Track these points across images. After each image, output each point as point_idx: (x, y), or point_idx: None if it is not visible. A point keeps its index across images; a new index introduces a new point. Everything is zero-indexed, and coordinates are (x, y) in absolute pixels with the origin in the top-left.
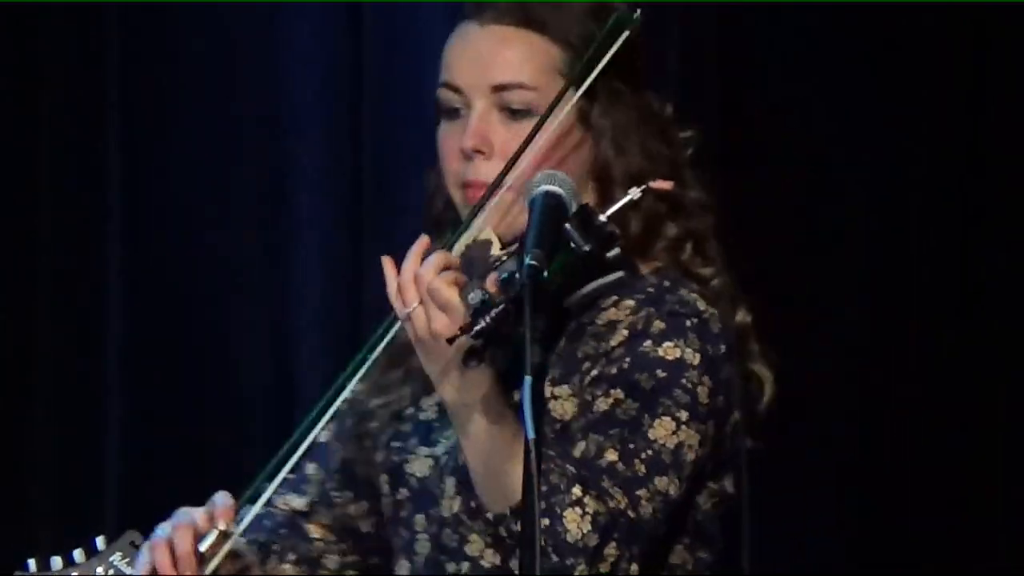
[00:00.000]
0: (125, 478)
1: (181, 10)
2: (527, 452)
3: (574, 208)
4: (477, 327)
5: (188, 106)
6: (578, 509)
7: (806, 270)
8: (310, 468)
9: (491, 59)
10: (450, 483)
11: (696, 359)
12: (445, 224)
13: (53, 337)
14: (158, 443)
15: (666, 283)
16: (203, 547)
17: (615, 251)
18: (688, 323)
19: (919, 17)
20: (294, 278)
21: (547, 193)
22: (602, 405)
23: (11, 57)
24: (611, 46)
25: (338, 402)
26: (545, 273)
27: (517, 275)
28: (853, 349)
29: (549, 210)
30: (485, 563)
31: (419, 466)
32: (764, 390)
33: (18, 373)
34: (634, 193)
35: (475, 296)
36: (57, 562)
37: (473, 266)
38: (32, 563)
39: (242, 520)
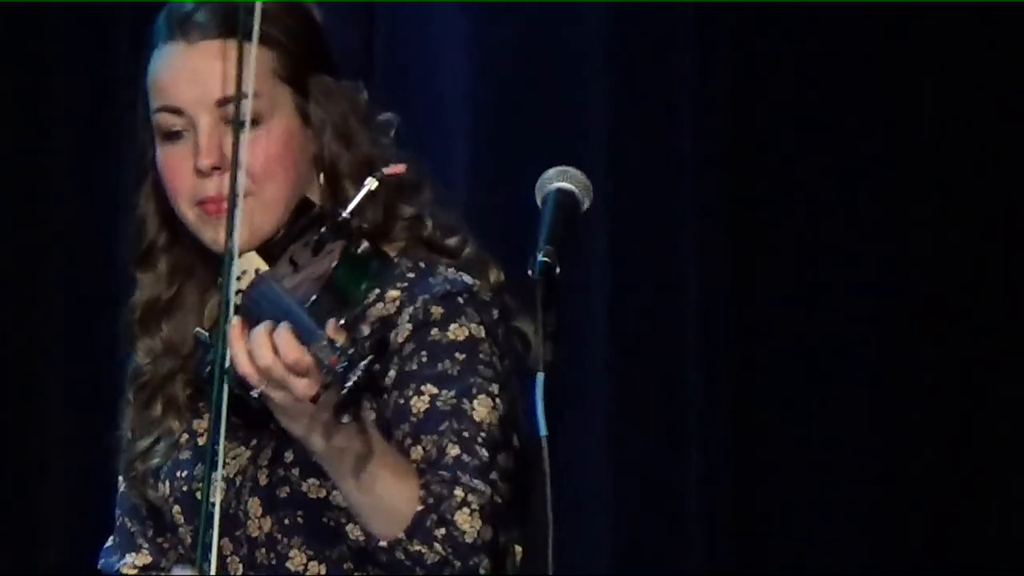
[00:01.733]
0: None
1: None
2: (539, 450)
3: (587, 205)
4: (349, 384)
5: None
6: (465, 509)
7: (816, 268)
8: (128, 524)
9: (210, 75)
10: (254, 503)
11: (481, 331)
12: (158, 252)
13: (65, 335)
14: None
15: (421, 265)
16: None
17: (364, 245)
18: (460, 300)
19: (932, 16)
20: None
21: (559, 190)
22: (420, 404)
23: (23, 56)
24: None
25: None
26: (557, 269)
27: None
28: (864, 346)
29: (561, 206)
30: (400, 554)
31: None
32: (529, 344)
33: (29, 373)
34: (370, 183)
35: (323, 350)
36: None
37: (264, 304)
38: None
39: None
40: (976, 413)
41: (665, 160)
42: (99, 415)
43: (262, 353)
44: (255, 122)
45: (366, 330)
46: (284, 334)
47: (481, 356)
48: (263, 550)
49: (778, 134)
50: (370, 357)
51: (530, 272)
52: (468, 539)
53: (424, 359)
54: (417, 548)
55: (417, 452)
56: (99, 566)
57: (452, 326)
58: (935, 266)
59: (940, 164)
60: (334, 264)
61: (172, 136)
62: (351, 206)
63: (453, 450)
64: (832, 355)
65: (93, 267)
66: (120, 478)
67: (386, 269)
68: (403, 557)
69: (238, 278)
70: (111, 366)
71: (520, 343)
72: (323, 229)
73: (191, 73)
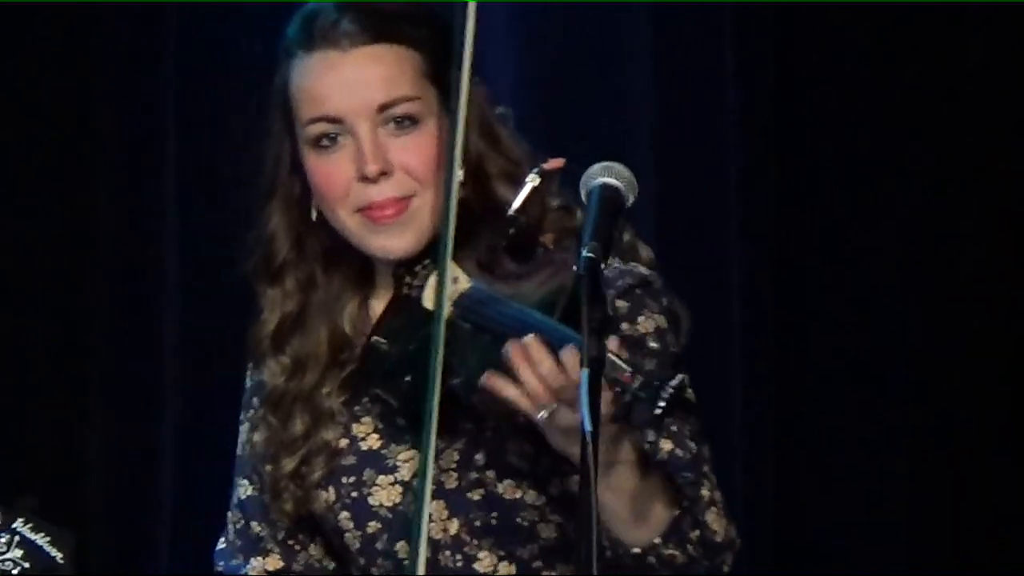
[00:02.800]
0: (181, 477)
1: (238, 10)
2: (584, 445)
3: (631, 200)
4: (662, 405)
5: (243, 101)
6: (714, 509)
7: (861, 275)
8: (256, 527)
9: (368, 81)
10: (438, 506)
11: (664, 321)
12: (287, 268)
13: (109, 336)
14: (213, 440)
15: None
16: None
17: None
18: (639, 292)
19: (977, 19)
20: None
21: (604, 185)
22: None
23: (68, 57)
24: (462, 38)
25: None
26: (603, 265)
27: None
28: (900, 347)
29: (606, 202)
30: (653, 559)
31: (385, 496)
32: (681, 324)
33: (74, 373)
34: (533, 179)
35: (613, 367)
36: None
37: (491, 314)
38: None
39: None
40: (1017, 416)
41: (710, 159)
42: (145, 413)
43: (553, 372)
44: (413, 123)
45: None
46: (571, 353)
47: (670, 348)
48: (447, 552)
49: (823, 133)
50: (681, 377)
51: (575, 268)
52: (718, 539)
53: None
54: (671, 552)
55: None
56: (220, 569)
57: (640, 319)
58: (978, 271)
59: (989, 168)
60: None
61: (328, 146)
62: (517, 203)
63: (666, 445)
64: (874, 360)
65: (136, 271)
66: (244, 481)
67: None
68: (654, 561)
69: (420, 286)
70: (158, 363)
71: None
72: (498, 230)
73: (348, 80)
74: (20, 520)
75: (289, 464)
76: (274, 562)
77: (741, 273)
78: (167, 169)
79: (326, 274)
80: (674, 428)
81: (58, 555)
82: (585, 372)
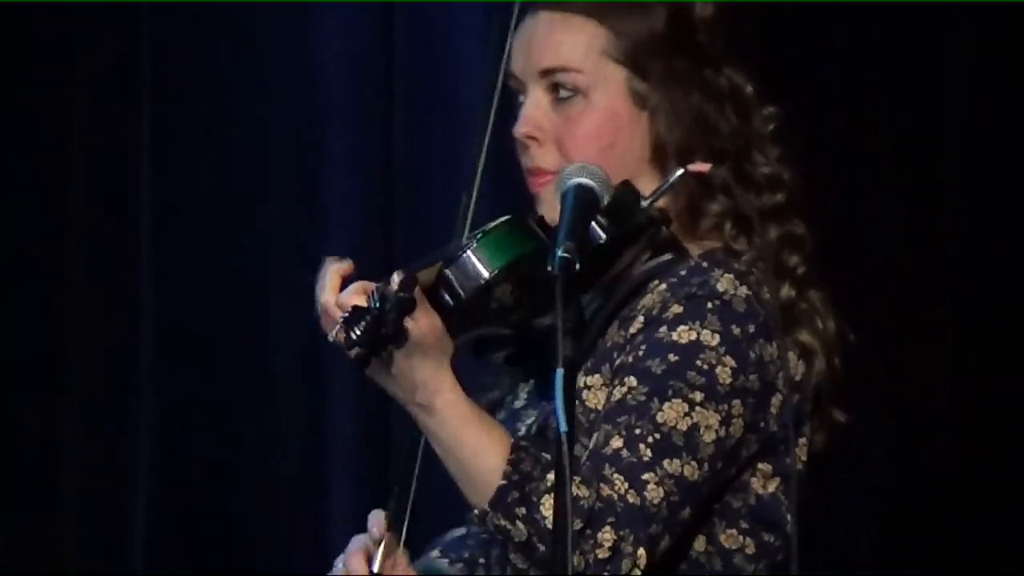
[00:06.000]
0: (155, 479)
1: (214, 5)
2: (558, 446)
3: (606, 200)
4: (351, 337)
5: (220, 102)
6: (550, 496)
7: (843, 268)
8: None
9: (538, 44)
10: None
11: (714, 340)
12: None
13: (86, 336)
14: (189, 440)
15: (704, 264)
16: (375, 567)
17: (664, 233)
18: (709, 305)
19: (959, 15)
20: None
21: (579, 185)
22: (616, 394)
23: (45, 55)
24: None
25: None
26: (577, 266)
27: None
28: (885, 345)
29: (581, 202)
30: (491, 526)
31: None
32: (812, 362)
33: (50, 375)
34: (673, 178)
35: (374, 293)
36: None
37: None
38: None
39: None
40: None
41: None
42: (120, 414)
43: (321, 289)
44: (576, 96)
45: (623, 321)
46: (330, 271)
47: (698, 363)
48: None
49: (809, 133)
50: (374, 317)
51: (550, 268)
52: (549, 524)
53: (641, 353)
54: (501, 523)
55: (593, 439)
56: None
57: (680, 327)
58: (966, 261)
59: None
60: (487, 226)
61: (518, 103)
62: (650, 197)
63: (616, 442)
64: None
65: (113, 267)
66: None
67: (674, 263)
68: (493, 529)
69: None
70: (134, 362)
71: (801, 356)
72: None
73: (526, 42)
74: None
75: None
76: None
77: None
78: (143, 163)
79: None
80: (637, 431)
81: None
82: (560, 372)
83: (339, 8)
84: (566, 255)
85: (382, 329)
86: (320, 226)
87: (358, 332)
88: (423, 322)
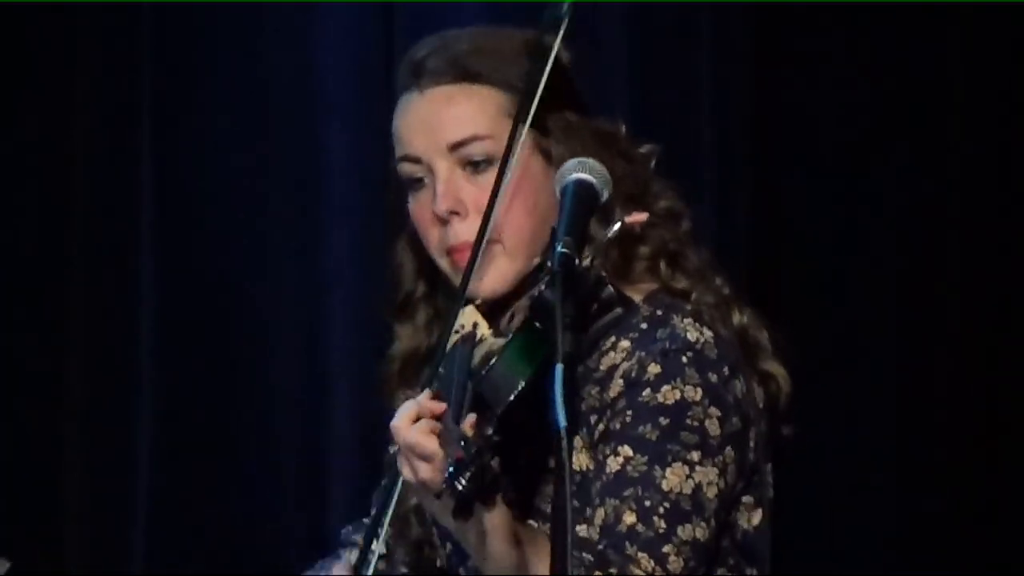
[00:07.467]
0: (155, 479)
1: (214, 5)
2: (558, 441)
3: (606, 196)
4: (457, 489)
5: (220, 102)
6: None
7: (840, 268)
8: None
9: (440, 121)
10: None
11: (698, 394)
12: (416, 303)
13: (86, 336)
14: (189, 440)
15: (658, 312)
16: None
17: (608, 291)
18: (683, 359)
19: (955, 14)
20: (326, 271)
21: (578, 181)
22: (613, 465)
23: (45, 55)
24: (545, 72)
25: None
26: (577, 260)
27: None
28: (888, 347)
29: (580, 198)
30: None
31: None
32: (780, 386)
33: (50, 375)
34: (611, 232)
35: (451, 443)
36: None
37: (452, 371)
38: None
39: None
40: (998, 413)
41: (684, 160)
42: (121, 415)
43: (398, 420)
44: (489, 164)
45: (596, 381)
46: (427, 412)
47: (688, 421)
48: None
49: (801, 134)
50: (476, 467)
51: (549, 263)
52: None
53: (628, 419)
54: None
55: (599, 515)
56: None
57: (664, 388)
58: (967, 264)
59: (971, 165)
60: (509, 337)
61: (415, 185)
62: (589, 256)
63: (629, 518)
64: (859, 354)
65: (112, 269)
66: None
67: (624, 317)
68: None
69: (456, 331)
70: (134, 363)
71: (773, 386)
72: (543, 284)
73: (423, 120)
74: None
75: None
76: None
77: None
78: (143, 162)
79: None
80: (647, 503)
81: None
82: (559, 368)
83: (339, 8)
84: (565, 250)
85: (487, 479)
86: (320, 226)
87: (464, 482)
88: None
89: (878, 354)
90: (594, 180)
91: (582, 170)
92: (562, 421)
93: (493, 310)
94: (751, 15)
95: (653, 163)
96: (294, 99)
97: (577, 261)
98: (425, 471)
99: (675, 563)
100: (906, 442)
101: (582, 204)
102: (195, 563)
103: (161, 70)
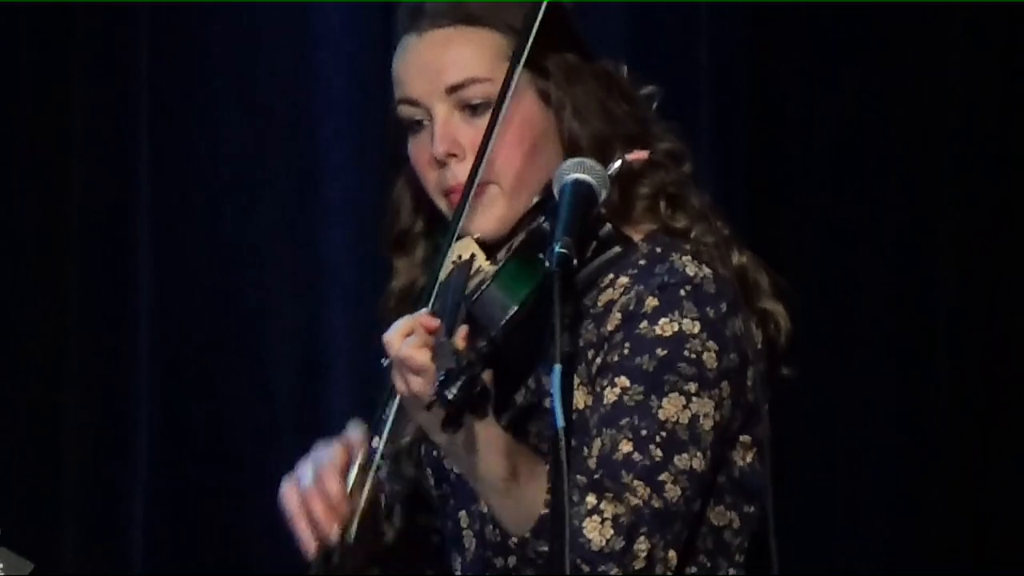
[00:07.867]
0: (155, 479)
1: (214, 5)
2: (556, 441)
3: (604, 196)
4: (446, 398)
5: (219, 102)
6: (596, 517)
7: (834, 260)
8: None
9: (438, 63)
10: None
11: (696, 327)
12: (413, 239)
13: (85, 336)
14: (189, 440)
15: (657, 250)
16: (348, 486)
17: (606, 229)
18: (681, 292)
19: (951, 10)
20: (325, 269)
21: (576, 181)
22: (610, 396)
23: (45, 54)
24: (540, 18)
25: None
26: (575, 261)
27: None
28: (882, 339)
29: (578, 198)
30: (531, 553)
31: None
32: (780, 325)
33: (49, 375)
34: (611, 169)
35: (444, 356)
36: None
37: (447, 295)
38: None
39: (376, 451)
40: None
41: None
42: (120, 408)
43: (391, 334)
44: (487, 106)
45: (593, 317)
46: (420, 328)
47: (685, 353)
48: (490, 527)
49: (798, 132)
50: (467, 378)
51: (548, 263)
52: (594, 547)
53: (626, 351)
54: (542, 548)
55: (597, 444)
56: None
57: (662, 320)
58: (961, 254)
59: (966, 158)
60: (502, 261)
61: (414, 127)
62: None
63: (625, 446)
64: (853, 347)
65: (111, 269)
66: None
67: (623, 255)
68: (533, 555)
69: (453, 262)
70: (132, 358)
71: (772, 325)
72: (543, 218)
73: (421, 63)
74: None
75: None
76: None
77: None
78: (143, 161)
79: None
80: (643, 432)
81: None
82: (557, 368)
83: (339, 8)
84: (564, 251)
85: (476, 389)
86: (320, 226)
87: (454, 392)
88: (487, 377)
89: (876, 354)
90: (592, 180)
91: (580, 170)
92: (560, 421)
93: (491, 247)
94: (749, 12)
95: (654, 105)
96: (294, 99)
97: (575, 262)
98: (417, 384)
99: (672, 491)
100: (906, 442)
101: (580, 204)
102: (195, 565)
103: (159, 68)
